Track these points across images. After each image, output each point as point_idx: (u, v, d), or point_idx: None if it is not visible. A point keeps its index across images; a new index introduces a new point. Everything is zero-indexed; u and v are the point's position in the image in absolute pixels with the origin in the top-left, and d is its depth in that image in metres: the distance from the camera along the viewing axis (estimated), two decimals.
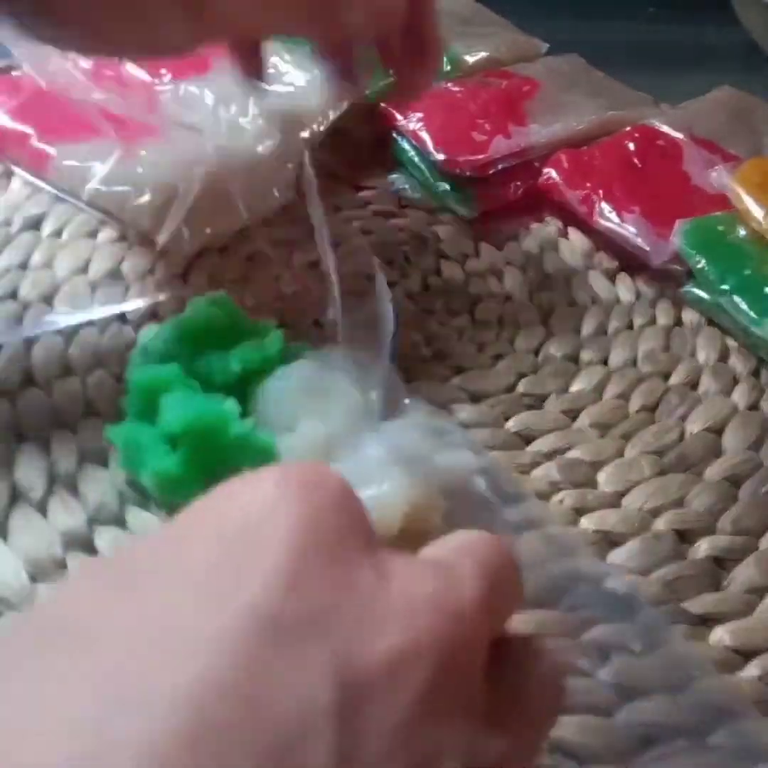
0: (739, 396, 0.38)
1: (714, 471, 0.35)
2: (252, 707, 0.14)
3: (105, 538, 0.30)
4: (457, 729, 0.17)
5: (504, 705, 0.18)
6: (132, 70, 0.49)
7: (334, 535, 0.17)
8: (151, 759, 0.13)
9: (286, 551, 0.16)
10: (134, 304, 0.38)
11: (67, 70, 0.49)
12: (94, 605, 0.16)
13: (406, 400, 0.34)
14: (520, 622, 0.28)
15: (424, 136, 0.48)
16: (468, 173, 0.46)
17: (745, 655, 0.29)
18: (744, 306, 0.40)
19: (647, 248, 0.43)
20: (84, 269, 0.40)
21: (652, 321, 0.42)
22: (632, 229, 0.44)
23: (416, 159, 0.49)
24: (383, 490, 0.29)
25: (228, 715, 0.14)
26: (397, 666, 0.16)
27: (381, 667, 0.16)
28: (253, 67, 0.39)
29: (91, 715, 0.14)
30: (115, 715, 0.14)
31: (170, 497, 0.30)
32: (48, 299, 0.39)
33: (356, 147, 0.51)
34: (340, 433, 0.31)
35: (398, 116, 0.49)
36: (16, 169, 0.45)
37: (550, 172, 0.47)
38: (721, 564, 0.32)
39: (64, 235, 0.42)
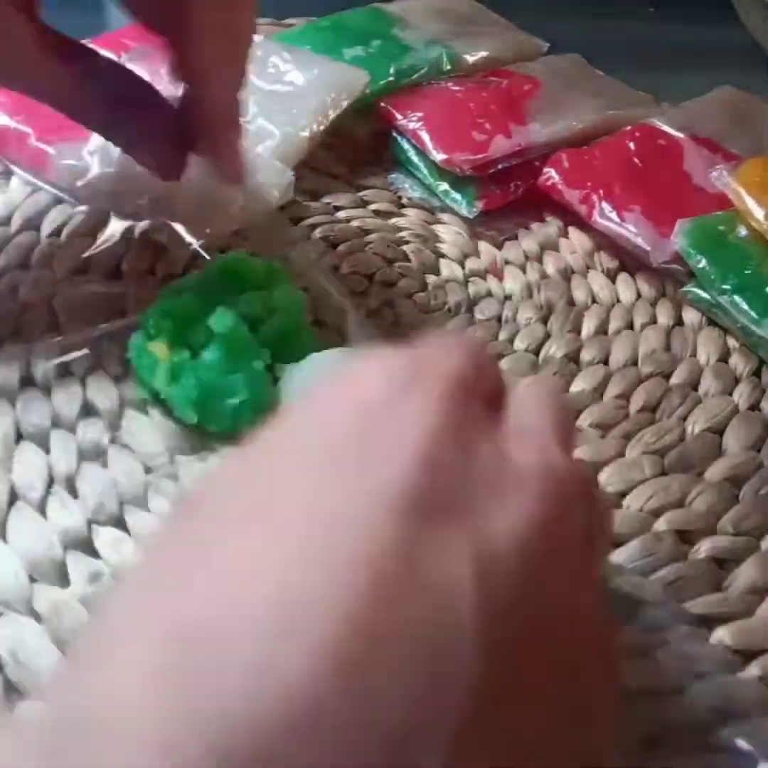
0: (740, 396, 0.38)
1: (715, 471, 0.35)
2: (404, 583, 0.15)
3: (104, 538, 0.30)
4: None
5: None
6: (132, 68, 0.49)
7: (461, 414, 0.18)
8: (335, 610, 0.14)
9: (423, 432, 0.17)
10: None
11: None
12: (256, 483, 0.17)
13: None
14: None
15: (424, 135, 0.47)
16: (468, 172, 0.46)
17: (746, 656, 0.29)
18: (745, 306, 0.40)
19: (648, 248, 0.43)
20: (83, 269, 0.40)
21: (653, 321, 0.42)
22: (633, 229, 0.44)
23: (416, 158, 0.49)
24: None
25: (386, 589, 0.15)
26: (524, 538, 0.16)
27: (510, 542, 0.16)
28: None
29: (277, 570, 0.15)
30: (299, 574, 0.15)
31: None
32: (48, 300, 0.39)
33: (356, 147, 0.51)
34: None
35: (398, 115, 0.49)
36: (16, 169, 0.45)
37: (551, 172, 0.47)
38: (722, 565, 0.32)
39: (64, 235, 0.42)
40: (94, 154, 0.43)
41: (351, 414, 0.18)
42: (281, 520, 0.16)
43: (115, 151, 0.43)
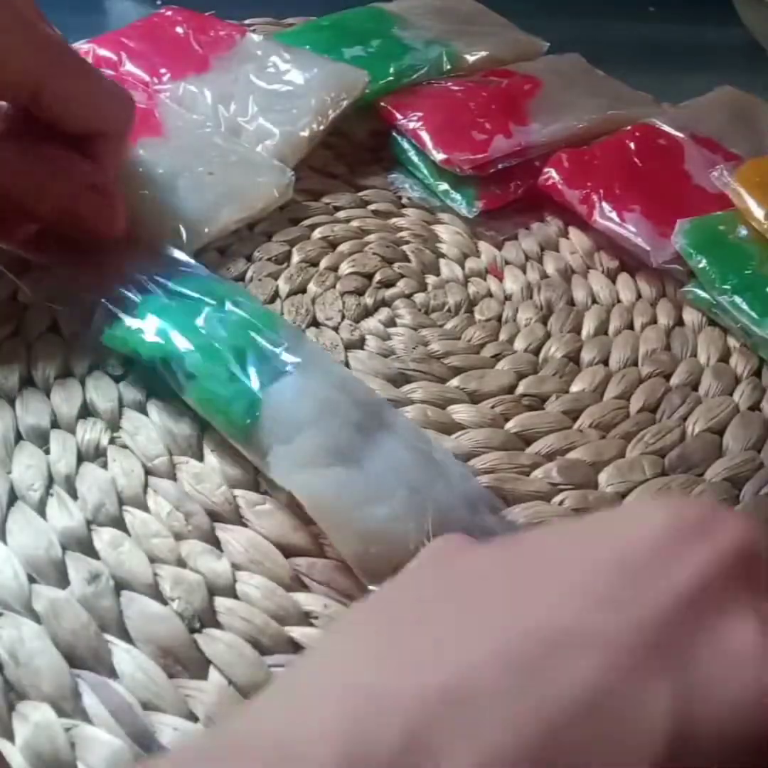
0: (741, 396, 0.38)
1: (715, 471, 0.35)
2: (599, 715, 0.16)
3: (104, 538, 0.30)
4: None
5: None
6: (132, 68, 0.49)
7: (723, 582, 0.19)
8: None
9: (692, 586, 0.18)
10: None
11: None
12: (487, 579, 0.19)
13: (391, 417, 0.33)
14: None
15: (424, 135, 0.47)
16: (468, 172, 0.46)
17: None
18: (745, 306, 0.40)
19: (648, 248, 0.43)
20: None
21: (653, 321, 0.42)
22: (633, 229, 0.44)
23: (416, 158, 0.49)
24: (396, 513, 0.29)
25: (581, 728, 0.16)
26: (726, 728, 0.17)
27: (711, 725, 0.16)
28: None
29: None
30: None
31: None
32: (50, 299, 0.38)
33: (356, 147, 0.51)
34: (337, 447, 0.31)
35: (398, 115, 0.49)
36: None
37: (551, 172, 0.47)
38: None
39: None
40: None
41: (613, 563, 0.19)
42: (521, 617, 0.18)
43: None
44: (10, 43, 0.30)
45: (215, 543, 0.30)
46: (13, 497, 0.31)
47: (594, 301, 0.43)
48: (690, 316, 0.42)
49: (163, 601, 0.28)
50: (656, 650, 0.17)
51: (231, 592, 0.29)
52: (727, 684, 0.17)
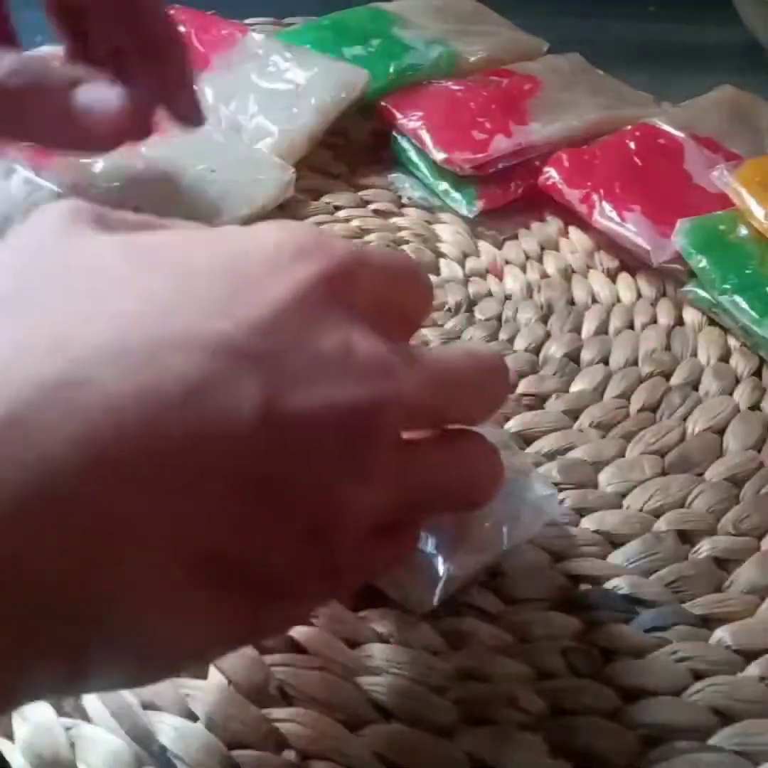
0: (741, 396, 0.38)
1: (715, 471, 0.35)
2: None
3: None
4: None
5: None
6: None
7: (319, 297, 0.20)
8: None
9: (289, 294, 0.19)
10: None
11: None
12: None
13: None
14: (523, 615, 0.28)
15: (424, 134, 0.47)
16: (468, 172, 0.46)
17: (746, 655, 0.29)
18: (745, 305, 0.40)
19: (648, 247, 0.43)
20: None
21: (653, 321, 0.42)
22: (633, 229, 0.44)
23: (416, 158, 0.49)
24: None
25: (180, 412, 0.18)
26: (312, 409, 0.19)
27: (297, 409, 0.19)
28: None
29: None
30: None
31: None
32: None
33: (356, 146, 0.51)
34: None
35: (398, 115, 0.49)
36: (17, 167, 0.45)
37: (551, 171, 0.47)
38: (722, 565, 0.32)
39: None
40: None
41: (234, 255, 0.20)
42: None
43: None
44: None
45: None
46: None
47: (594, 301, 0.43)
48: (690, 315, 0.42)
49: None
50: (249, 350, 0.18)
51: None
52: (312, 379, 0.19)
